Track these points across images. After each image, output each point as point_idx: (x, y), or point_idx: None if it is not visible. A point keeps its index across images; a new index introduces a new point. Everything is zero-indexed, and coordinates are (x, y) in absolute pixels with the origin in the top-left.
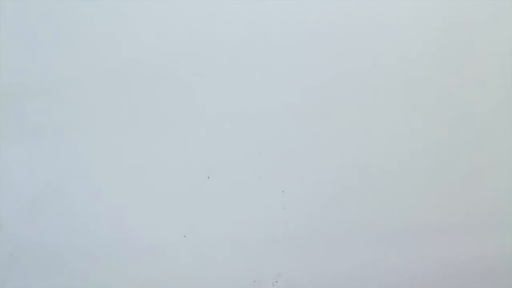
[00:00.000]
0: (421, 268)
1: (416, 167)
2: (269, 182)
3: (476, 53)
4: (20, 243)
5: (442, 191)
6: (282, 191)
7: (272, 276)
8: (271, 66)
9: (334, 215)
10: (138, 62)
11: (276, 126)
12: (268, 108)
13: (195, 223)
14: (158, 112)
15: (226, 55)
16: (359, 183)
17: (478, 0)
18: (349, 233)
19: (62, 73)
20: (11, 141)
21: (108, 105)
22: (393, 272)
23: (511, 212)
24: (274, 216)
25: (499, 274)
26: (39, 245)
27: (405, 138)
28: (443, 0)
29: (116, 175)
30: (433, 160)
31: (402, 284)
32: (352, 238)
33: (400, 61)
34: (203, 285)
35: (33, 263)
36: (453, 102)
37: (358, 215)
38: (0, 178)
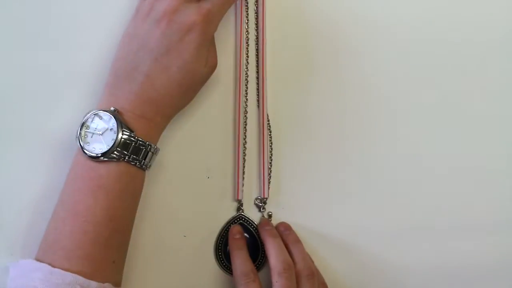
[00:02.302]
0: (421, 269)
1: (415, 167)
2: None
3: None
4: (20, 243)
5: (442, 191)
6: (282, 191)
7: None
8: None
9: (334, 215)
10: None
11: (277, 126)
12: (269, 109)
13: (195, 223)
14: None
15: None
16: (359, 182)
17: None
18: (349, 233)
19: (62, 73)
20: (11, 141)
21: None
22: (393, 272)
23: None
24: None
25: (499, 275)
26: (39, 245)
27: (405, 138)
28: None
29: None
30: (432, 160)
31: (402, 284)
32: (351, 238)
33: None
34: (203, 285)
35: None
36: (454, 102)
37: (358, 215)
38: (0, 178)
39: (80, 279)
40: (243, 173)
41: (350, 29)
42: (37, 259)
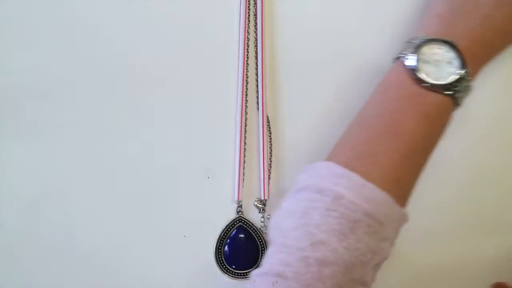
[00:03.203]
0: (421, 269)
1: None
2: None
3: None
4: (20, 243)
5: (441, 191)
6: (282, 192)
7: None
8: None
9: None
10: (138, 62)
11: (277, 127)
12: (268, 109)
13: (195, 223)
14: (159, 112)
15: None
16: None
17: None
18: None
19: (62, 73)
20: (11, 141)
21: (109, 105)
22: (393, 273)
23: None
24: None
25: (499, 275)
26: (39, 245)
27: None
28: None
29: (116, 175)
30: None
31: (402, 285)
32: None
33: None
34: (203, 285)
35: (33, 263)
36: None
37: None
38: (0, 178)
39: (391, 200)
40: (243, 174)
41: (350, 29)
42: (341, 165)
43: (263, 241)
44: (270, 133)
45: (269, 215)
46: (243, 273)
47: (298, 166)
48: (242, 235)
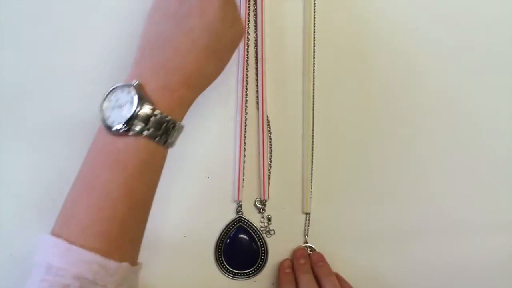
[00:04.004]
0: (421, 269)
1: (416, 168)
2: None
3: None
4: (20, 243)
5: (442, 191)
6: (282, 192)
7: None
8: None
9: (333, 216)
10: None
11: (277, 127)
12: (268, 110)
13: (195, 223)
14: None
15: None
16: (359, 183)
17: None
18: (346, 233)
19: (62, 73)
20: (11, 141)
21: None
22: (392, 273)
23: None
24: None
25: (500, 275)
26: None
27: (405, 139)
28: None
29: None
30: (431, 159)
31: (402, 285)
32: (350, 238)
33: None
34: (203, 285)
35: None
36: (452, 102)
37: (358, 216)
38: (0, 178)
39: (98, 257)
40: (243, 174)
41: (350, 29)
42: (54, 234)
43: (263, 241)
44: (270, 133)
45: (269, 215)
46: (243, 273)
47: (298, 166)
48: (242, 235)
